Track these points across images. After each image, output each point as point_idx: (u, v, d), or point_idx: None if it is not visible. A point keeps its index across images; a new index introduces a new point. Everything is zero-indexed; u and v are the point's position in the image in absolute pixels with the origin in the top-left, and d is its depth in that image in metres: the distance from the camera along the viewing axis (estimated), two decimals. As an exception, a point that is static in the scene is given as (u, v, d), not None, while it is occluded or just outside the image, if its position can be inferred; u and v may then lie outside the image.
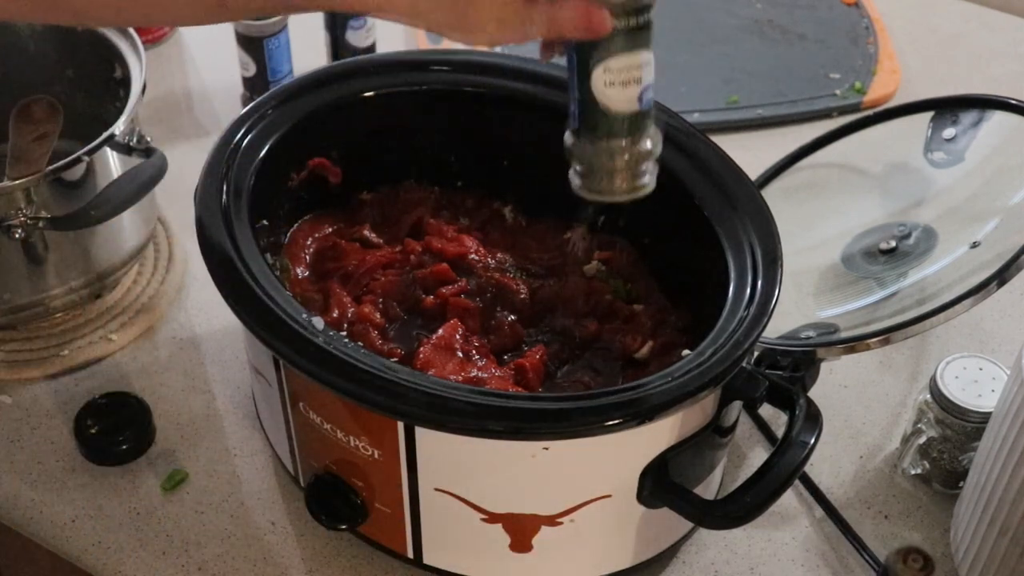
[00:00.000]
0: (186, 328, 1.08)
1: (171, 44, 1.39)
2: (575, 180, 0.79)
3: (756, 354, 0.94)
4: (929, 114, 1.06)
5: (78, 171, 0.97)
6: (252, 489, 0.96)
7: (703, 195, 0.90)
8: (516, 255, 0.99)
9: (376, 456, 0.82)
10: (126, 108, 0.99)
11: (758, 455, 0.99)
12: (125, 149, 1.00)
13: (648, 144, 0.76)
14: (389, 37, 1.36)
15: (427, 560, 0.88)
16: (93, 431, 0.98)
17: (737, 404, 0.85)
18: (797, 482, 0.96)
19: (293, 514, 0.95)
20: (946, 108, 1.05)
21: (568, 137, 0.78)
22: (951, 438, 0.93)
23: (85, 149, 0.96)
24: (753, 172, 1.05)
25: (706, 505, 0.83)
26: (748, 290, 0.83)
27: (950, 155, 1.03)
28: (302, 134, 0.95)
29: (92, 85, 1.10)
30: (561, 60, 0.77)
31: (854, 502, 0.96)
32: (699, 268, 0.90)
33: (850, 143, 1.10)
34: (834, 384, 1.04)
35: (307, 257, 0.99)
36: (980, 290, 0.88)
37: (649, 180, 0.78)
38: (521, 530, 0.83)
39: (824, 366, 0.99)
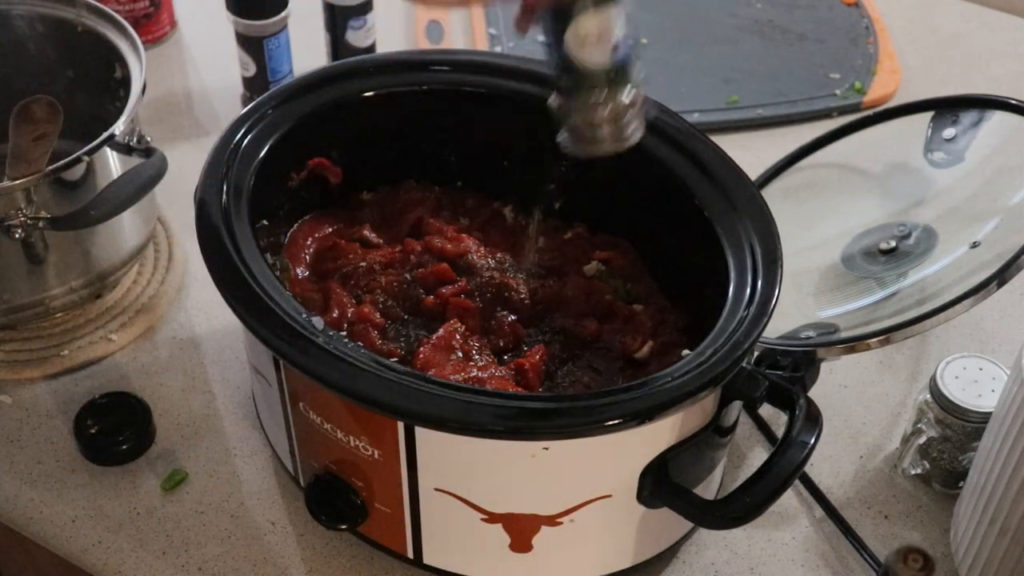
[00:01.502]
0: (186, 328, 1.08)
1: (171, 44, 1.39)
2: (563, 138, 0.82)
3: (756, 354, 0.94)
4: (929, 114, 1.06)
5: (78, 171, 0.97)
6: (252, 489, 0.96)
7: (703, 195, 0.90)
8: (516, 255, 0.99)
9: (376, 456, 0.82)
10: (126, 108, 0.99)
11: (758, 455, 0.99)
12: (125, 149, 1.00)
13: (628, 97, 0.79)
14: (389, 37, 1.36)
15: (427, 560, 0.88)
16: (93, 431, 0.98)
17: (737, 404, 0.85)
18: (797, 482, 0.96)
19: (293, 514, 0.95)
20: (946, 108, 1.05)
21: (552, 98, 0.80)
22: (951, 438, 0.93)
23: (85, 149, 0.96)
24: (753, 172, 1.05)
25: (706, 505, 0.83)
26: (748, 290, 0.83)
27: (950, 155, 1.03)
28: (302, 134, 0.95)
29: (92, 85, 1.10)
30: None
31: (854, 502, 0.96)
32: (699, 268, 0.90)
33: (850, 143, 1.10)
34: (834, 384, 1.04)
35: (307, 257, 0.99)
36: (980, 290, 0.88)
37: (633, 132, 0.81)
38: (521, 530, 0.83)
39: (824, 366, 0.99)
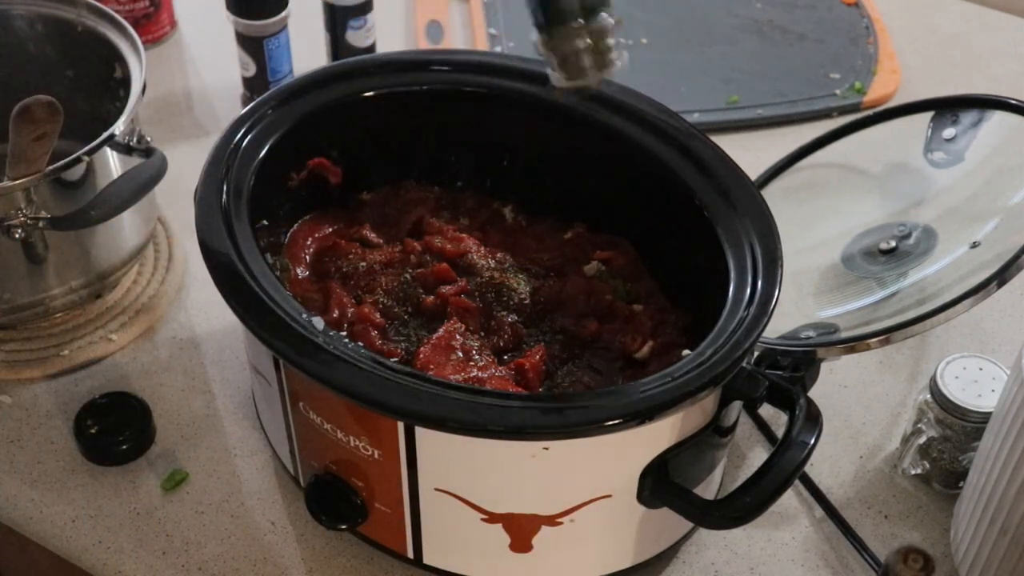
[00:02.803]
0: (186, 328, 1.08)
1: (171, 44, 1.39)
2: (551, 75, 0.84)
3: (756, 354, 0.94)
4: (929, 114, 1.06)
5: (78, 171, 0.97)
6: (252, 489, 0.96)
7: (703, 195, 0.90)
8: (516, 255, 0.99)
9: (376, 456, 0.82)
10: (126, 108, 0.99)
11: (758, 455, 0.99)
12: (125, 149, 1.00)
13: (605, 21, 0.82)
14: (389, 37, 1.36)
15: (427, 560, 0.88)
16: (93, 431, 0.98)
17: (737, 404, 0.85)
18: (797, 482, 0.96)
19: (293, 514, 0.95)
20: (946, 108, 1.05)
21: (534, 36, 0.83)
22: (951, 438, 0.93)
23: (85, 149, 0.96)
24: (753, 172, 1.05)
25: (706, 505, 0.83)
26: (748, 290, 0.83)
27: (950, 155, 1.03)
28: (302, 134, 0.95)
29: (92, 85, 1.10)
30: None
31: (854, 502, 0.96)
32: (699, 268, 0.90)
33: (850, 143, 1.10)
34: (834, 384, 1.04)
35: (307, 257, 0.99)
36: (980, 290, 0.88)
37: (615, 57, 0.83)
38: (521, 530, 0.83)
39: (824, 366, 0.99)
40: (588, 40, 0.82)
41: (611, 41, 0.83)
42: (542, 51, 0.84)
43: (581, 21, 0.82)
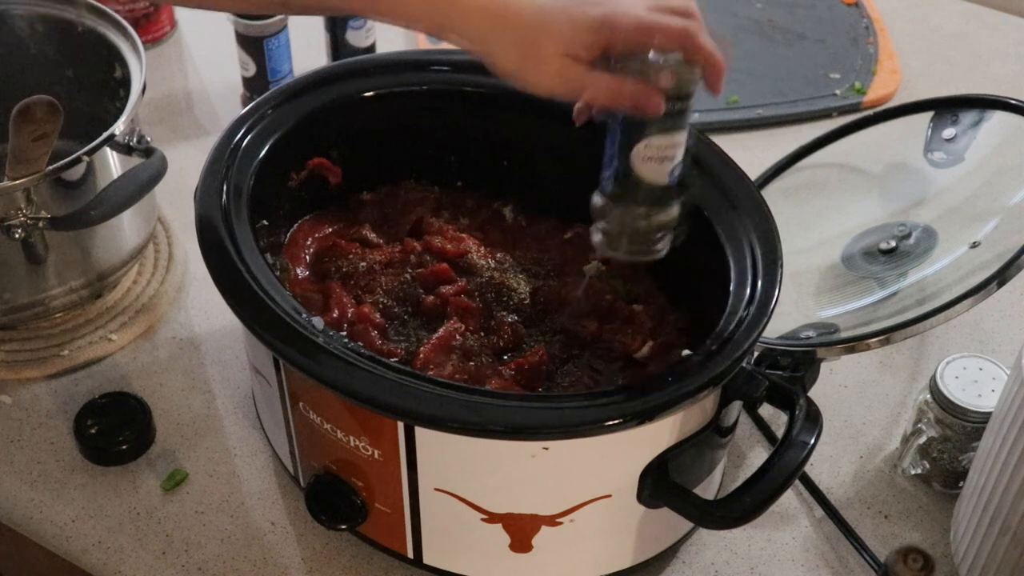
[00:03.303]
0: (186, 328, 1.08)
1: (171, 44, 1.39)
2: (596, 237, 0.85)
3: (756, 354, 0.94)
4: (929, 114, 1.06)
5: (78, 171, 0.97)
6: (252, 489, 0.96)
7: (703, 195, 0.90)
8: (516, 255, 0.99)
9: (376, 456, 0.82)
10: (126, 108, 1.00)
11: (758, 455, 0.99)
12: (125, 149, 1.00)
13: (670, 215, 0.83)
14: (389, 37, 1.36)
15: (427, 560, 0.88)
16: (93, 431, 0.98)
17: (737, 404, 0.85)
18: (797, 482, 0.96)
19: (293, 514, 0.95)
20: (946, 108, 1.05)
21: (597, 199, 0.84)
22: (951, 438, 0.93)
23: (85, 149, 0.96)
24: (753, 172, 1.05)
25: (706, 505, 0.83)
26: (748, 290, 0.83)
27: (950, 155, 1.03)
28: (302, 134, 0.95)
29: (92, 85, 1.10)
30: None
31: (854, 502, 0.96)
32: (699, 268, 0.90)
33: (850, 143, 1.10)
34: (834, 384, 1.04)
35: (307, 257, 0.99)
36: (980, 290, 0.88)
37: (663, 247, 0.84)
38: (521, 530, 0.83)
39: (824, 366, 0.99)
40: (646, 225, 0.83)
41: (662, 235, 0.83)
42: (599, 215, 0.84)
43: (649, 208, 0.82)
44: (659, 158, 0.81)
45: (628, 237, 0.84)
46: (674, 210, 0.83)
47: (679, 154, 0.81)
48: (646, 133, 0.80)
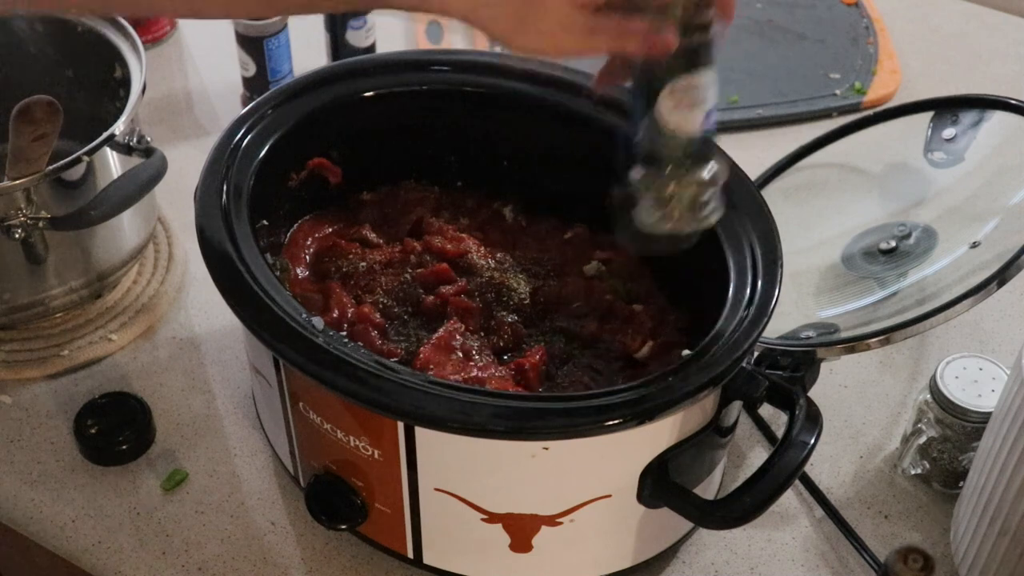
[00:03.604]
0: (186, 328, 1.08)
1: (171, 44, 1.39)
2: (643, 217, 0.78)
3: (756, 354, 0.94)
4: (929, 114, 1.06)
5: (78, 171, 0.97)
6: (252, 489, 0.96)
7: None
8: (516, 255, 0.99)
9: (376, 456, 0.82)
10: (126, 108, 1.00)
11: (758, 455, 0.99)
12: (125, 149, 1.00)
13: (710, 173, 0.76)
14: (389, 37, 1.36)
15: (427, 560, 0.88)
16: (93, 431, 0.98)
17: (737, 404, 0.85)
18: (797, 482, 0.96)
19: (293, 514, 0.95)
20: (946, 108, 1.05)
21: (633, 173, 0.77)
22: (951, 438, 0.93)
23: (85, 149, 0.96)
24: (753, 172, 1.05)
25: (706, 505, 0.83)
26: (748, 290, 0.83)
27: (950, 155, 1.03)
28: (302, 134, 0.95)
29: (92, 85, 1.10)
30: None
31: (854, 502, 0.96)
32: (699, 268, 0.90)
33: (850, 143, 1.10)
34: (834, 384, 1.04)
35: (307, 257, 0.99)
36: (980, 290, 0.88)
37: (712, 212, 0.77)
38: (521, 530, 0.83)
39: (824, 366, 0.99)
40: (691, 188, 0.76)
41: (711, 194, 0.77)
42: (638, 189, 0.77)
43: (689, 164, 0.76)
44: (687, 104, 0.74)
45: (678, 205, 0.76)
46: (714, 166, 0.77)
47: (709, 97, 0.74)
48: (668, 77, 0.73)
